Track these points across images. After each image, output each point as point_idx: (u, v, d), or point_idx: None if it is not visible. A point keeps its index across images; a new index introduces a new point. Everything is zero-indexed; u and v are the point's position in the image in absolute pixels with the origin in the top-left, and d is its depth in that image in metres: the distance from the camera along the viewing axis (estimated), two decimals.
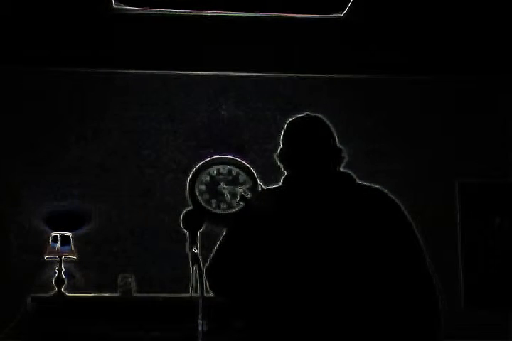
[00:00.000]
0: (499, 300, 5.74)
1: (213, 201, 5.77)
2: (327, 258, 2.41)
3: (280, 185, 2.59)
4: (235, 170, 5.84)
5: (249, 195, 2.59)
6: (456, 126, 5.98)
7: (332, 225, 2.44)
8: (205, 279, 2.51)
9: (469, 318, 5.56)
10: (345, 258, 2.41)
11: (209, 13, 4.99)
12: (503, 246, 5.83)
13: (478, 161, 5.92)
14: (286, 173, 2.59)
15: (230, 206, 5.71)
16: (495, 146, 5.97)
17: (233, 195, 5.73)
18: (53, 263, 5.43)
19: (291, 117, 2.67)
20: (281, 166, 2.60)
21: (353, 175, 2.58)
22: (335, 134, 2.61)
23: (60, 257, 5.39)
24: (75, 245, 5.46)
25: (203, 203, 5.73)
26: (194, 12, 4.98)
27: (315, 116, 2.64)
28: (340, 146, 2.59)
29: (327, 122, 2.62)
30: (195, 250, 2.57)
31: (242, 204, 2.63)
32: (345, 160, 2.59)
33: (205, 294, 2.51)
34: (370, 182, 2.59)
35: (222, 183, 5.81)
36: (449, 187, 5.87)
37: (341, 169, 2.59)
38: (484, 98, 6.03)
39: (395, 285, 2.42)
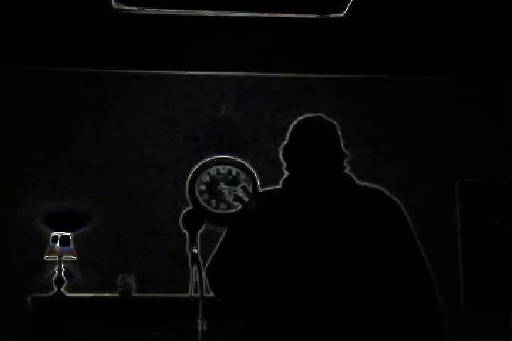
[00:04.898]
0: (499, 300, 5.74)
1: (213, 201, 5.77)
2: (326, 258, 2.41)
3: (279, 186, 2.59)
4: (234, 170, 5.84)
5: (245, 195, 2.59)
6: (455, 126, 5.98)
7: (331, 225, 2.44)
8: (205, 279, 2.51)
9: (469, 318, 5.56)
10: (344, 258, 2.41)
11: (209, 13, 4.99)
12: (503, 246, 5.83)
13: (478, 161, 5.92)
14: (285, 174, 2.59)
15: (229, 206, 5.71)
16: (495, 146, 5.98)
17: (232, 194, 5.72)
18: (53, 263, 5.43)
19: (290, 117, 2.67)
20: (284, 162, 2.60)
21: (352, 175, 2.58)
22: (339, 135, 2.61)
23: (59, 257, 5.39)
24: (74, 245, 5.46)
25: (202, 203, 5.73)
26: (194, 12, 4.98)
27: (319, 117, 2.64)
28: (346, 151, 2.59)
29: (332, 123, 2.62)
30: (194, 250, 2.57)
31: (238, 204, 2.64)
32: (346, 161, 2.59)
33: (205, 294, 2.51)
34: (369, 183, 2.59)
35: (222, 183, 5.81)
36: (449, 187, 5.87)
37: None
38: (484, 98, 6.03)
39: (393, 287, 2.42)
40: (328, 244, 2.42)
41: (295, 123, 2.63)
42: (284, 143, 2.60)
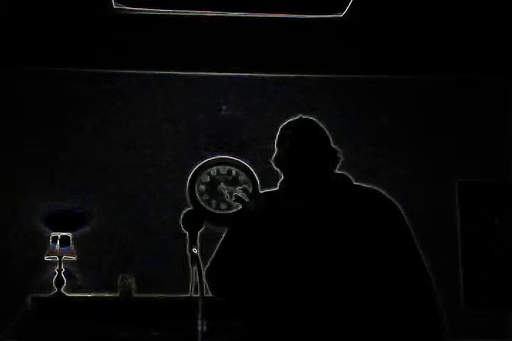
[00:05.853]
0: (499, 300, 5.74)
1: (213, 201, 5.77)
2: (325, 258, 2.41)
3: (277, 188, 2.59)
4: (234, 171, 5.84)
5: (245, 196, 2.59)
6: (456, 126, 5.98)
7: (329, 226, 2.44)
8: (204, 280, 2.51)
9: (469, 318, 5.56)
10: (343, 258, 2.41)
11: (209, 13, 4.99)
12: (503, 246, 5.83)
13: (478, 161, 5.92)
14: (282, 177, 2.59)
15: (229, 206, 5.71)
16: (495, 146, 5.98)
17: (233, 195, 5.72)
18: (53, 263, 5.43)
19: (290, 117, 2.67)
20: (278, 170, 2.61)
21: (350, 176, 2.58)
22: (329, 135, 2.60)
23: (59, 257, 5.39)
24: (74, 245, 5.46)
25: (202, 203, 5.73)
26: (194, 12, 4.98)
27: (307, 118, 2.63)
28: (336, 147, 2.59)
29: (320, 124, 2.61)
30: (194, 250, 2.56)
31: (238, 205, 2.63)
32: (341, 161, 2.59)
33: (204, 294, 2.51)
34: (369, 183, 2.59)
35: (222, 183, 5.82)
36: (449, 187, 5.87)
37: (338, 170, 2.59)
38: (484, 98, 6.03)
39: (391, 287, 2.42)
40: (327, 245, 2.42)
41: (279, 132, 2.63)
42: (274, 155, 2.61)
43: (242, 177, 5.82)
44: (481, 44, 5.40)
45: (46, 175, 5.69)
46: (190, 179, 5.77)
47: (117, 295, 5.40)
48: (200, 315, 2.50)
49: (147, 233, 5.66)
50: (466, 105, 6.02)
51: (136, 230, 5.67)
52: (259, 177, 5.73)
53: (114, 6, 4.87)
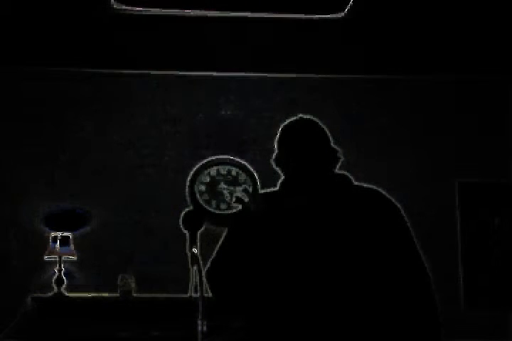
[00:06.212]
0: (499, 300, 5.74)
1: (213, 201, 5.75)
2: (324, 259, 2.41)
3: (277, 188, 2.60)
4: (234, 171, 5.82)
5: (245, 196, 2.59)
6: (456, 126, 5.98)
7: (329, 227, 2.44)
8: (204, 280, 2.51)
9: (469, 318, 5.56)
10: (342, 259, 2.42)
11: (209, 13, 4.99)
12: (503, 246, 5.83)
13: (478, 161, 5.92)
14: (282, 177, 2.60)
15: (229, 206, 5.70)
16: (495, 146, 5.98)
17: (233, 195, 5.72)
18: (53, 263, 5.43)
19: (290, 117, 2.67)
20: (279, 170, 2.61)
21: (350, 176, 2.58)
22: (329, 135, 2.60)
23: (59, 257, 5.39)
24: (74, 245, 5.46)
25: (202, 203, 5.72)
26: (194, 12, 4.98)
27: (307, 118, 2.63)
28: (336, 147, 2.59)
29: (320, 124, 2.61)
30: (194, 250, 2.56)
31: (238, 206, 2.64)
32: (341, 161, 2.58)
33: (204, 294, 2.51)
34: (369, 183, 2.59)
35: (221, 183, 5.81)
36: (449, 187, 5.87)
37: (338, 170, 2.59)
38: (484, 98, 6.03)
39: (391, 287, 2.42)
40: (327, 246, 2.42)
41: (280, 132, 2.63)
42: (273, 155, 2.62)
43: (242, 177, 5.80)
44: (481, 44, 5.40)
45: (46, 176, 5.69)
46: (190, 179, 5.75)
47: (117, 295, 5.40)
48: (200, 315, 2.50)
49: (147, 233, 5.66)
50: (466, 105, 6.02)
51: (136, 230, 5.67)
52: (259, 177, 5.72)
53: (114, 6, 4.87)
